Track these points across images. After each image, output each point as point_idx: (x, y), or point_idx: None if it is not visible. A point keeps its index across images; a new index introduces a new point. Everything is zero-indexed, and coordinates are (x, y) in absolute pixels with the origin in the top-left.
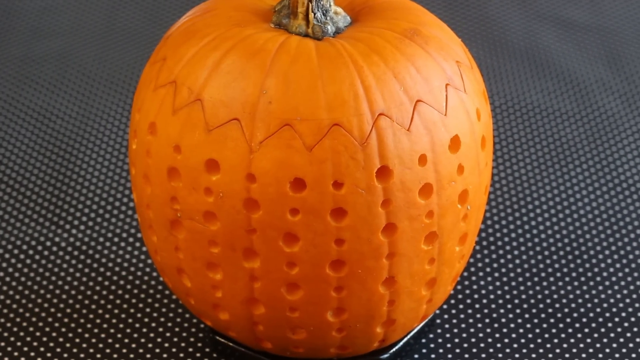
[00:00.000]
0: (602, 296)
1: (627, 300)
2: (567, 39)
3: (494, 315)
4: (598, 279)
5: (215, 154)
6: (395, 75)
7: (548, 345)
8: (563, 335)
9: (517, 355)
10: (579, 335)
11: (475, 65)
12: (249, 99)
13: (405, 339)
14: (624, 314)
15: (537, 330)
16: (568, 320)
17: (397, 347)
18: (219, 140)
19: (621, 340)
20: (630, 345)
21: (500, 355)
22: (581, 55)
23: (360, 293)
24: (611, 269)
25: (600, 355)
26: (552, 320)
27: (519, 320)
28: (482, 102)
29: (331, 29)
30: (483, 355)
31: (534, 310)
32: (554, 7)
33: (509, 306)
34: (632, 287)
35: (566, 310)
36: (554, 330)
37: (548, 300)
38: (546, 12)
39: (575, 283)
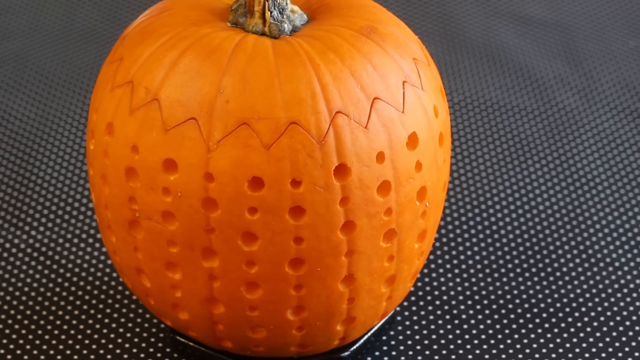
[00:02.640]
0: (562, 291)
1: (587, 295)
2: (525, 35)
3: (454, 311)
4: (558, 274)
5: (172, 154)
6: (352, 73)
7: (508, 341)
8: (523, 331)
9: (477, 351)
10: (539, 331)
11: (433, 62)
12: (206, 98)
13: (366, 337)
14: (583, 309)
15: (498, 326)
16: (528, 315)
17: (357, 345)
18: (177, 140)
19: (581, 334)
20: (590, 339)
21: (460, 351)
22: (539, 52)
23: (319, 291)
24: (571, 264)
25: (561, 350)
26: (512, 316)
27: (479, 317)
28: (440, 99)
29: (288, 27)
30: (444, 352)
31: (494, 307)
32: (512, 4)
33: (469, 302)
34: (591, 282)
35: (526, 305)
36: (514, 326)
37: (508, 296)
38: (504, 9)
39: (535, 278)
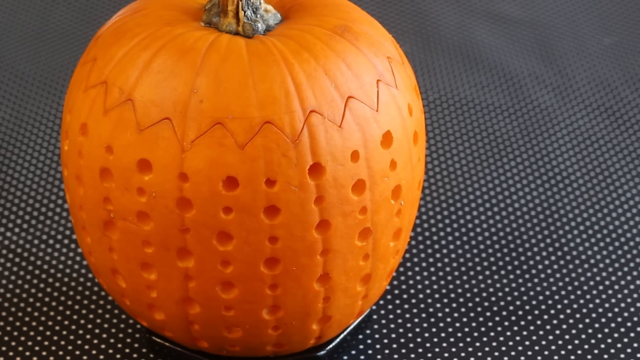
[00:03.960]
0: (538, 289)
1: (563, 292)
2: (499, 33)
3: (430, 310)
4: (533, 271)
5: (147, 154)
6: (326, 72)
7: (484, 339)
8: (499, 329)
9: (453, 349)
10: (515, 329)
11: (407, 61)
12: (180, 98)
13: (342, 336)
14: (559, 306)
15: (474, 324)
16: (504, 313)
17: (333, 344)
18: (151, 140)
19: (557, 332)
20: (566, 336)
21: (437, 349)
22: (514, 49)
23: (295, 290)
24: (546, 262)
25: (537, 348)
26: (488, 314)
27: (455, 315)
28: (414, 98)
29: (261, 26)
30: (420, 350)
31: (470, 304)
32: (487, 2)
33: (445, 300)
34: (567, 279)
35: (502, 303)
36: (490, 324)
37: (484, 294)
38: (479, 7)
39: (511, 276)
